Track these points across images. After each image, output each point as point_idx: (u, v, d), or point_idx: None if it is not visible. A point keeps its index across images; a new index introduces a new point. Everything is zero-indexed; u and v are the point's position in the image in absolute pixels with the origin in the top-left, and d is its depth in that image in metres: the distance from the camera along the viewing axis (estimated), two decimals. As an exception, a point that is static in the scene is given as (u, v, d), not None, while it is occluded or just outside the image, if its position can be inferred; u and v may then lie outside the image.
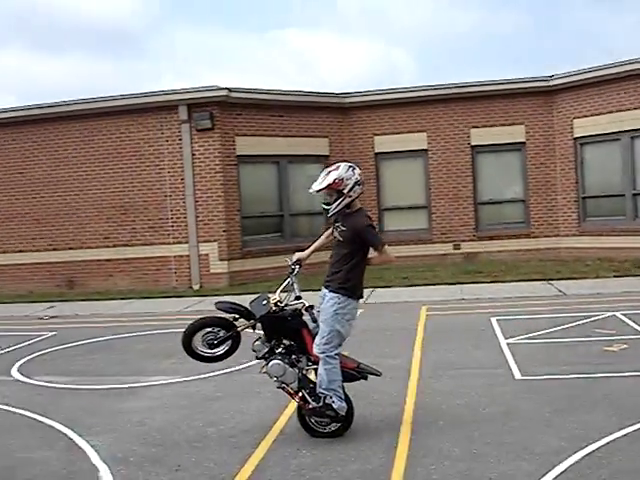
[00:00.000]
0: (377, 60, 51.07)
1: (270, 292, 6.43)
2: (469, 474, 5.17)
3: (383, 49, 51.63)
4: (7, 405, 7.82)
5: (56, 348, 11.19)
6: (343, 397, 6.02)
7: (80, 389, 8.45)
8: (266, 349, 6.17)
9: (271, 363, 6.05)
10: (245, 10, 56.03)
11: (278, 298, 6.15)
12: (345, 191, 5.98)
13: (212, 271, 17.47)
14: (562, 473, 5.08)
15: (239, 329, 6.21)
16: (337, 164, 6.18)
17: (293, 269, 6.38)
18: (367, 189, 19.29)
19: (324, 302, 6.06)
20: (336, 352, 5.96)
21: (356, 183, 6.01)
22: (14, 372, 9.57)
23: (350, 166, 6.10)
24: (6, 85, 49.55)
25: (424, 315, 12.18)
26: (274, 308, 6.08)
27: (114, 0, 49.34)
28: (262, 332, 6.22)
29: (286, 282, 6.28)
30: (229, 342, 6.25)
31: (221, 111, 17.41)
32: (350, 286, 5.99)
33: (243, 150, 17.80)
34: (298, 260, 6.42)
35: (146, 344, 11.19)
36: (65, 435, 6.64)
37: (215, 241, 17.46)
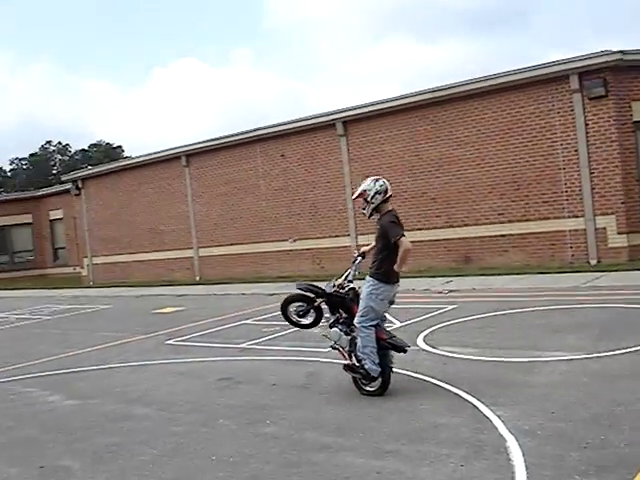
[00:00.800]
0: None
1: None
2: None
3: None
4: (416, 372, 8.39)
5: (457, 321, 11.69)
6: (376, 361, 7.42)
7: (483, 360, 8.71)
8: (332, 319, 7.93)
9: (332, 330, 7.82)
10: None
11: (340, 282, 7.98)
12: (368, 199, 7.55)
13: (610, 245, 16.73)
14: None
15: (317, 304, 7.99)
16: (367, 177, 7.84)
17: (355, 259, 8.27)
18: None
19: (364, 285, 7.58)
20: (370, 324, 7.49)
21: (376, 192, 7.49)
22: (419, 342, 10.21)
23: (374, 179, 7.63)
24: (390, 75, 52.64)
25: None
26: (336, 289, 7.92)
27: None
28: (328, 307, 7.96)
29: (348, 271, 8.14)
30: (313, 314, 8.09)
31: (614, 76, 16.54)
32: (382, 272, 7.53)
33: (640, 116, 16.69)
34: (362, 252, 8.32)
35: (545, 319, 11.13)
36: (470, 404, 6.92)
37: (613, 214, 16.68)
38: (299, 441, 6.35)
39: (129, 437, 6.98)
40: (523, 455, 5.42)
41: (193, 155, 25.61)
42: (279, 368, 9.57)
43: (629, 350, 8.39)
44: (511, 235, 18.16)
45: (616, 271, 15.44)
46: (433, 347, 9.75)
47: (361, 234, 20.86)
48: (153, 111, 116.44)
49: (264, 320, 14.03)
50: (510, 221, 18.13)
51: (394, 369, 7.75)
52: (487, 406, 6.75)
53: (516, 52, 49.09)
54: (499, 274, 16.95)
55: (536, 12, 51.80)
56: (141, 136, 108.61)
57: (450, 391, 7.45)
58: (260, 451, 6.17)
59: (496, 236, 18.42)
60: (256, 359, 10.31)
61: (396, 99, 20.28)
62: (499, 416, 6.42)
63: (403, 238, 7.33)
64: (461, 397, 7.18)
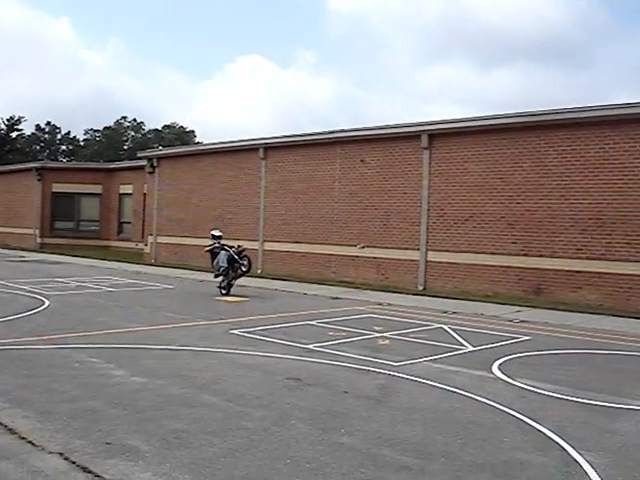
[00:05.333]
0: None
1: None
2: None
3: None
4: (495, 402, 8.08)
5: (533, 353, 11.32)
6: None
7: (564, 399, 8.35)
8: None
9: None
10: None
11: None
12: None
13: (691, 297, 16.07)
14: None
15: None
16: None
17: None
18: None
19: None
20: None
21: None
22: (495, 369, 9.89)
23: None
24: (448, 95, 52.14)
25: None
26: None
27: (556, 12, 48.38)
28: None
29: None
30: None
31: None
32: None
33: None
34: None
35: (625, 365, 10.71)
36: (557, 444, 6.60)
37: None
38: (377, 457, 6.12)
39: (199, 425, 6.84)
40: (623, 509, 5.11)
41: (272, 148, 25.58)
42: (349, 375, 9.35)
43: None
44: (587, 272, 17.60)
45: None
46: (510, 377, 9.42)
47: (432, 250, 20.53)
48: (221, 101, 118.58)
49: (328, 323, 13.84)
50: (588, 258, 17.58)
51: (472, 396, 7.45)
52: (575, 449, 6.43)
53: (579, 87, 48.16)
54: (570, 310, 16.47)
55: (601, 47, 51.09)
56: (210, 123, 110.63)
57: (533, 427, 7.13)
58: (337, 461, 5.95)
59: (571, 271, 17.89)
60: (324, 362, 10.10)
61: (484, 119, 19.92)
62: (589, 462, 6.10)
63: None
64: (546, 435, 6.87)
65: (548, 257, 18.29)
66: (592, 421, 7.44)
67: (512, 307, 16.94)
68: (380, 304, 17.45)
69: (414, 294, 19.58)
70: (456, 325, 14.01)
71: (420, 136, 20.80)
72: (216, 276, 18.64)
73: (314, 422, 7.07)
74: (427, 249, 20.68)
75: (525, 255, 18.73)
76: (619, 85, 50.22)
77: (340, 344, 11.61)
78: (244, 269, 18.29)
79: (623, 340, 12.86)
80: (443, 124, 20.60)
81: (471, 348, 11.55)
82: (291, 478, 5.56)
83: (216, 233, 19.21)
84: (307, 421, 7.10)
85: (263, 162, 25.75)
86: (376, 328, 13.43)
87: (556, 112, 18.47)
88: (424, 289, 20.48)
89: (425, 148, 20.70)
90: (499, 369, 9.92)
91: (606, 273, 17.29)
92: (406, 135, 21.32)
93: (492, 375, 9.59)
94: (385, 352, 10.99)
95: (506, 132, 19.22)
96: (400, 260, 21.39)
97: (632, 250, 16.94)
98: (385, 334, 12.78)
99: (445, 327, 13.71)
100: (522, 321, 14.92)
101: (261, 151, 25.75)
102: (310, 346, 11.32)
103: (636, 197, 16.91)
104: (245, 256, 18.36)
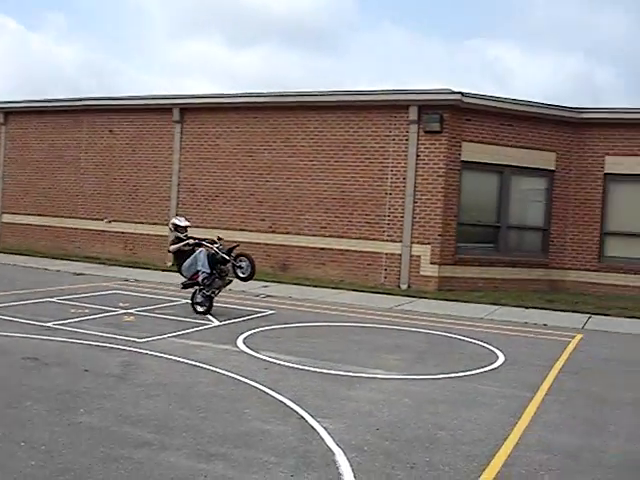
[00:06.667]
0: (569, 75, 48.71)
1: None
2: None
3: (575, 63, 49.21)
4: (238, 374, 8.19)
5: (276, 327, 11.63)
6: None
7: (305, 370, 8.67)
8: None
9: None
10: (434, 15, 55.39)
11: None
12: None
13: (422, 273, 17.43)
14: None
15: None
16: None
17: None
18: (591, 211, 18.49)
19: None
20: None
21: None
22: (240, 343, 10.03)
23: None
24: (205, 71, 52.50)
25: (653, 351, 11.41)
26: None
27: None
28: None
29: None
30: None
31: (451, 115, 17.28)
32: None
33: (468, 156, 17.58)
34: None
35: (363, 336, 11.35)
36: (296, 412, 6.83)
37: (428, 244, 17.39)
38: (117, 434, 5.94)
39: None
40: (352, 470, 5.39)
41: (12, 114, 23.81)
42: (90, 353, 9.00)
43: (442, 376, 8.70)
44: (331, 249, 18.44)
45: (425, 298, 16.12)
46: (254, 350, 9.60)
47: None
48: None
49: (71, 300, 13.23)
50: (332, 236, 18.41)
51: (216, 370, 7.50)
52: (313, 417, 6.69)
53: (326, 71, 50.50)
54: (315, 285, 17.15)
55: (351, 37, 54.08)
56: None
57: (274, 398, 7.32)
58: (74, 442, 5.69)
59: (316, 248, 18.64)
60: (64, 340, 9.64)
61: (237, 96, 20.03)
62: (326, 428, 6.38)
63: None
64: (286, 405, 7.08)
65: (295, 234, 18.89)
66: (330, 390, 7.79)
67: (260, 282, 17.25)
68: (127, 280, 17.01)
69: (163, 270, 19.30)
70: (204, 300, 13.99)
71: (172, 109, 20.46)
72: (186, 286, 12.80)
73: (51, 403, 6.71)
74: (177, 225, 20.44)
75: (273, 232, 19.19)
76: (365, 71, 53.13)
77: (82, 321, 11.14)
78: (243, 274, 12.55)
79: (362, 314, 13.62)
80: (195, 98, 20.43)
81: (217, 323, 11.62)
82: (27, 462, 5.22)
83: (181, 222, 13.20)
84: (44, 402, 6.72)
85: (3, 128, 23.92)
86: (121, 305, 13.06)
87: (306, 94, 19.03)
88: (172, 265, 20.21)
89: (177, 122, 20.41)
90: (244, 343, 10.07)
91: (347, 250, 18.23)
92: (158, 107, 20.86)
93: (236, 349, 9.72)
94: (130, 329, 10.72)
95: (257, 111, 19.48)
96: (149, 235, 20.98)
97: (371, 229, 17.99)
98: (130, 310, 12.48)
99: (193, 303, 13.65)
100: (268, 296, 15.29)
101: (1, 116, 23.90)
102: (49, 324, 10.73)
103: (376, 179, 17.96)
104: (243, 255, 12.79)
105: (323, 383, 8.09)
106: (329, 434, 6.22)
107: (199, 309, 12.44)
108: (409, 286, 17.43)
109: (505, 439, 6.34)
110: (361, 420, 6.71)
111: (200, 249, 12.53)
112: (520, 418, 7.03)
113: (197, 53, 54.36)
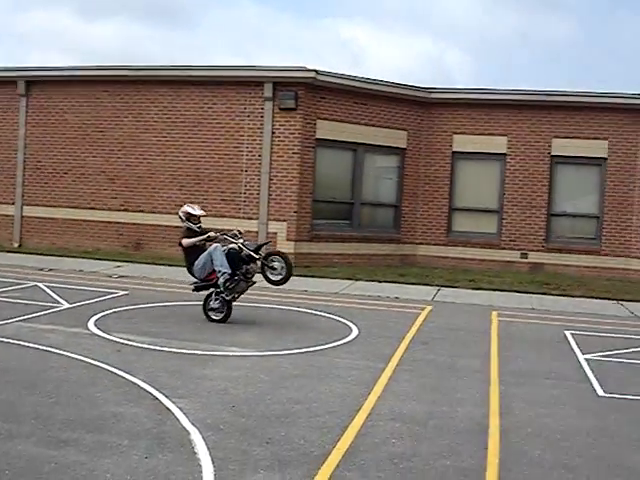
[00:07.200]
0: (421, 55, 50.52)
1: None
2: (566, 486, 5.09)
3: (427, 44, 51.14)
4: (89, 357, 7.95)
5: (130, 307, 11.36)
6: None
7: (159, 350, 8.53)
8: None
9: None
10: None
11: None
12: None
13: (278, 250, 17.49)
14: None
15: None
16: None
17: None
18: (440, 188, 19.21)
19: None
20: None
21: None
22: (91, 326, 9.72)
23: None
24: (55, 43, 50.40)
25: (495, 320, 12.03)
26: None
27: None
28: None
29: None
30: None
31: (306, 93, 17.40)
32: None
33: (323, 134, 17.79)
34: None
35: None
36: (150, 394, 6.70)
37: (285, 221, 17.50)
38: (-43, 424, 5.62)
39: None
40: (208, 449, 5.36)
41: None
42: None
43: (298, 351, 8.81)
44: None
45: (281, 275, 16.20)
46: (106, 332, 9.33)
47: (28, 204, 19.40)
48: None
49: None
50: (187, 214, 18.12)
51: (67, 354, 7.24)
52: (167, 397, 6.60)
53: (187, 47, 49.59)
54: (169, 265, 16.84)
55: (208, 12, 53.49)
56: None
57: (128, 380, 7.15)
58: None
59: (170, 227, 18.27)
60: None
61: (85, 69, 19.28)
62: (181, 408, 6.31)
63: None
64: (140, 386, 6.93)
65: (149, 212, 18.48)
66: (185, 369, 7.70)
67: (112, 263, 16.82)
68: (-32, 262, 16.08)
69: (8, 251, 18.40)
70: (53, 283, 13.46)
71: (17, 82, 19.38)
72: (198, 288, 10.71)
73: None
74: (23, 203, 19.50)
75: (125, 210, 18.68)
76: (221, 48, 52.47)
77: None
78: (275, 277, 10.51)
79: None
80: (42, 71, 19.44)
81: (67, 305, 11.20)
82: None
83: (195, 211, 11.01)
84: None
85: None
86: (-38, 288, 12.35)
87: (158, 69, 18.59)
88: (20, 246, 19.33)
89: (22, 95, 19.37)
90: (95, 325, 9.78)
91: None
92: (1, 80, 19.71)
93: (88, 331, 9.42)
94: (-28, 313, 10.15)
95: (108, 84, 18.82)
96: (-9, 215, 19.89)
97: (227, 207, 17.88)
98: (-28, 294, 11.82)
99: (41, 285, 13.09)
100: (121, 276, 14.90)
101: None
102: None
103: (232, 156, 17.84)
104: (276, 254, 10.90)
105: (178, 363, 7.98)
106: (184, 414, 6.15)
107: (214, 316, 10.42)
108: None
109: (358, 410, 6.50)
110: (217, 398, 6.68)
111: (215, 244, 10.45)
112: (372, 389, 7.23)
113: (46, 23, 51.75)
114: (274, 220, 17.54)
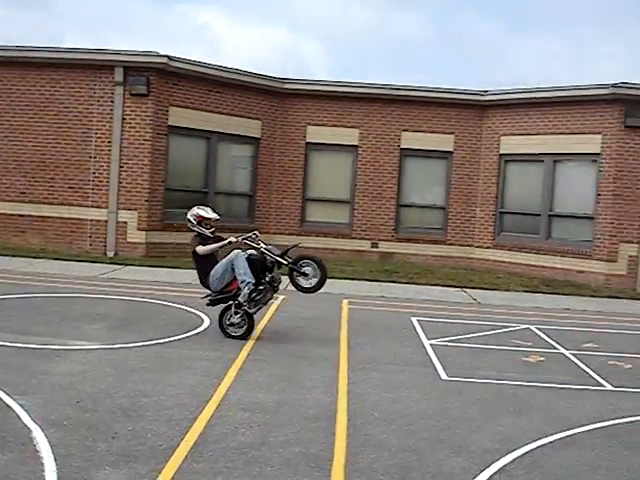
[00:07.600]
0: (277, 46, 50.95)
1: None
2: (409, 467, 5.29)
3: (284, 34, 51.68)
4: None
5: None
6: None
7: (3, 345, 8.13)
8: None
9: None
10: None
11: None
12: None
13: (129, 240, 17.11)
14: (498, 471, 5.28)
15: None
16: None
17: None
18: (294, 178, 19.41)
19: None
20: None
21: None
22: None
23: None
24: None
25: (346, 308, 12.32)
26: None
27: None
28: None
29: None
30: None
31: (158, 78, 17.05)
32: None
33: (175, 121, 17.50)
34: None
35: (64, 307, 10.86)
36: (-11, 391, 6.40)
37: (135, 210, 17.10)
38: None
39: None
40: (51, 446, 5.18)
41: None
42: None
43: (146, 343, 8.66)
44: (30, 216, 17.37)
45: (132, 265, 15.85)
46: (-59, 327, 8.80)
47: None
48: None
49: None
50: (31, 201, 17.34)
51: None
52: (8, 395, 6.31)
53: (37, 28, 47.28)
54: (14, 255, 16.07)
55: None
56: None
57: (-36, 376, 6.78)
58: None
59: (15, 215, 17.45)
60: None
61: None
62: (22, 405, 6.05)
63: None
64: (-21, 384, 6.59)
65: (-11, 200, 17.52)
66: (29, 365, 7.39)
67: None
68: None
69: None
70: None
71: None
72: (214, 302, 9.46)
73: None
74: None
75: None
76: (75, 30, 50.36)
77: None
78: (308, 285, 9.42)
79: (64, 283, 13.05)
80: None
81: None
82: None
83: (208, 214, 9.79)
84: None
85: None
86: None
87: (3, 49, 17.58)
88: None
89: None
90: None
91: (49, 217, 17.30)
92: None
93: None
94: None
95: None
96: None
97: (75, 195, 17.24)
98: None
99: None
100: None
101: None
102: None
103: (79, 142, 17.20)
104: (308, 258, 9.53)
105: (21, 359, 7.65)
106: (25, 411, 5.91)
107: (234, 333, 9.20)
108: (116, 253, 17.03)
109: (208, 401, 6.48)
110: (61, 394, 6.46)
111: (236, 250, 9.30)
112: (223, 380, 7.22)
113: None
114: (124, 209, 17.08)
